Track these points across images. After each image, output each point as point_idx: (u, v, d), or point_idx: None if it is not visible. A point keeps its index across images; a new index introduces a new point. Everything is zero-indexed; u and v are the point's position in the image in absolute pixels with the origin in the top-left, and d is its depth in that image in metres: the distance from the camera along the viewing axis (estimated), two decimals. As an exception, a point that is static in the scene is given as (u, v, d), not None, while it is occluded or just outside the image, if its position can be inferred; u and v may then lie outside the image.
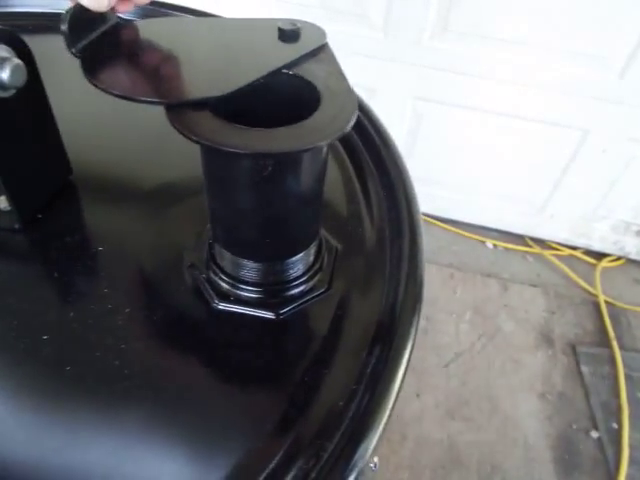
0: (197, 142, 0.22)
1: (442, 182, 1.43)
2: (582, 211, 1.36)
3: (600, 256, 1.44)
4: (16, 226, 0.32)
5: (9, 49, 0.28)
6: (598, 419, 1.12)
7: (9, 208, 0.32)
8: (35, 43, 0.46)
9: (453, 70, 1.19)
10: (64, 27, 0.23)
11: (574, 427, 1.11)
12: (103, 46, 0.25)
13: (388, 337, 0.29)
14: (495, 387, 1.17)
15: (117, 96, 0.23)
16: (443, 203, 1.47)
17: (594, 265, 1.43)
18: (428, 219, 1.52)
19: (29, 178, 0.33)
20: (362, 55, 1.22)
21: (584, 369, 1.20)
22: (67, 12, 0.24)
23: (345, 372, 0.28)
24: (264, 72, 0.25)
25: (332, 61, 0.28)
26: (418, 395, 1.14)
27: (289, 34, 0.29)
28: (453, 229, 1.50)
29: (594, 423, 1.11)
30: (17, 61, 0.28)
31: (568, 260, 1.44)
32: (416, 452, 1.06)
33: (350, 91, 0.25)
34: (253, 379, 0.28)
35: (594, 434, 1.10)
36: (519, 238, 1.49)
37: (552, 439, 1.09)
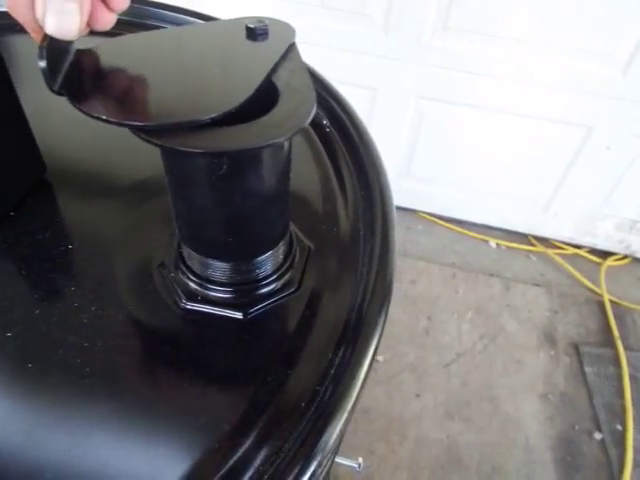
0: (148, 141, 0.22)
1: (444, 181, 1.42)
2: (587, 209, 1.34)
3: (605, 255, 1.42)
4: (-13, 225, 0.33)
5: (-27, 48, 0.28)
6: (602, 420, 1.10)
7: (-20, 207, 0.32)
8: (22, 42, 0.46)
9: (454, 68, 1.18)
10: (43, 64, 0.22)
11: (576, 428, 1.09)
12: (77, 77, 0.24)
13: (353, 338, 0.28)
14: (496, 387, 1.16)
15: (116, 124, 0.21)
16: (445, 202, 1.46)
17: (599, 264, 1.41)
18: (430, 218, 1.51)
19: (0, 176, 0.33)
20: (363, 54, 1.22)
21: (587, 369, 1.19)
22: (41, 47, 0.22)
23: (309, 373, 0.28)
24: (250, 92, 0.24)
25: (297, 59, 0.28)
26: (418, 395, 1.13)
27: (258, 32, 0.28)
28: (455, 228, 1.49)
29: (597, 424, 1.10)
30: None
31: (572, 259, 1.42)
32: (415, 452, 1.05)
33: (310, 88, 0.25)
34: (216, 379, 0.28)
35: (597, 435, 1.08)
36: (522, 237, 1.47)
37: (554, 440, 1.07)
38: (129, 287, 0.31)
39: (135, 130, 0.21)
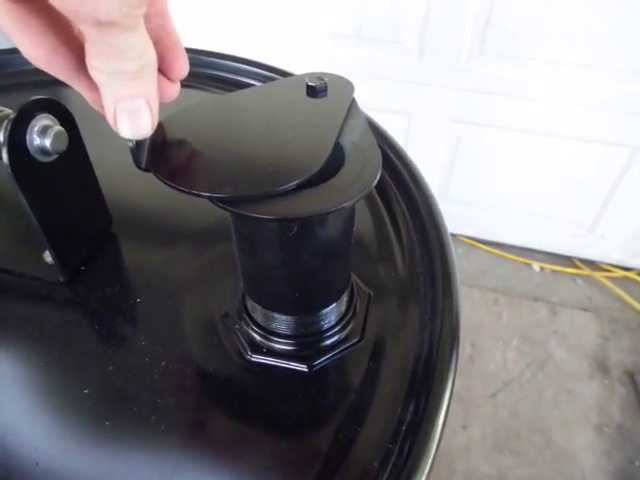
0: (224, 209, 0.22)
1: (483, 203, 1.40)
2: (635, 230, 1.29)
3: (657, 277, 1.36)
4: (60, 279, 0.34)
5: (52, 117, 0.29)
6: (664, 455, 1.04)
7: (53, 262, 0.34)
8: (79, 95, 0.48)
9: (491, 91, 1.17)
10: (131, 144, 0.23)
11: (637, 464, 1.03)
12: (158, 152, 0.24)
13: (423, 392, 0.28)
14: (547, 419, 1.11)
15: (204, 197, 0.22)
16: (485, 225, 1.44)
17: (651, 287, 1.35)
18: (470, 241, 1.49)
19: (71, 233, 0.34)
20: (398, 81, 1.23)
21: (645, 400, 1.13)
22: None
23: (380, 429, 0.27)
24: (325, 156, 0.24)
25: (358, 115, 0.28)
26: (464, 426, 1.10)
27: (319, 90, 0.29)
28: (497, 251, 1.46)
29: (659, 460, 1.04)
30: (59, 128, 0.29)
31: (622, 282, 1.36)
32: (464, 488, 1.02)
33: (374, 147, 0.25)
34: (286, 435, 0.28)
35: (660, 472, 1.02)
36: (567, 260, 1.42)
37: (612, 476, 1.02)
38: (196, 339, 0.32)
39: (218, 201, 0.22)
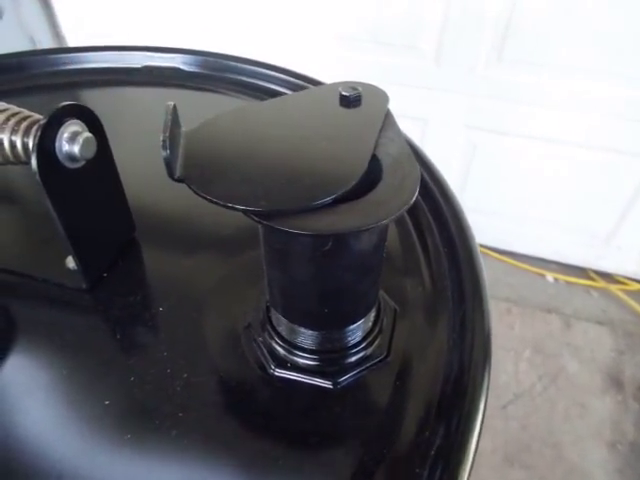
0: (259, 222, 0.22)
1: (497, 212, 1.38)
2: (653, 243, 1.27)
3: (674, 292, 1.34)
4: (83, 286, 0.33)
5: (81, 123, 0.29)
6: (678, 474, 1.02)
7: (76, 268, 0.33)
8: (103, 97, 0.48)
9: (509, 99, 1.16)
10: (165, 154, 0.22)
11: (650, 482, 1.01)
12: (190, 162, 0.23)
13: (454, 415, 0.27)
14: (559, 433, 1.09)
15: (240, 210, 0.21)
16: (499, 234, 1.42)
17: (668, 301, 1.32)
18: (482, 250, 1.47)
19: (95, 239, 0.34)
20: (414, 86, 1.22)
21: (660, 417, 1.11)
22: (164, 139, 0.22)
23: (407, 452, 0.26)
24: (363, 168, 0.23)
25: (392, 125, 0.28)
26: (474, 438, 1.08)
27: (352, 100, 0.28)
28: (510, 261, 1.44)
29: (674, 479, 1.01)
30: (88, 134, 0.29)
31: (637, 295, 1.34)
32: (473, 500, 1.00)
33: (412, 159, 0.25)
34: (309, 454, 0.27)
35: (674, 492, 1.00)
36: (581, 271, 1.40)
37: (625, 495, 1.00)
38: (218, 351, 0.31)
39: (253, 215, 0.21)
